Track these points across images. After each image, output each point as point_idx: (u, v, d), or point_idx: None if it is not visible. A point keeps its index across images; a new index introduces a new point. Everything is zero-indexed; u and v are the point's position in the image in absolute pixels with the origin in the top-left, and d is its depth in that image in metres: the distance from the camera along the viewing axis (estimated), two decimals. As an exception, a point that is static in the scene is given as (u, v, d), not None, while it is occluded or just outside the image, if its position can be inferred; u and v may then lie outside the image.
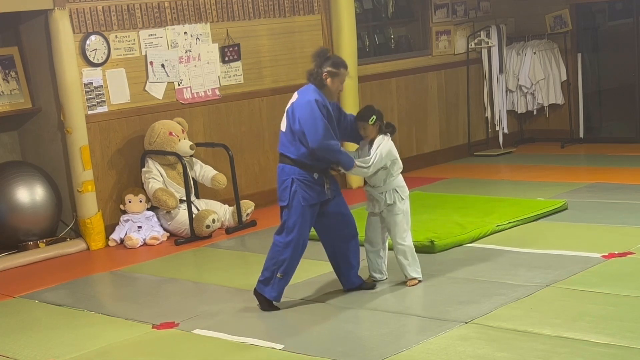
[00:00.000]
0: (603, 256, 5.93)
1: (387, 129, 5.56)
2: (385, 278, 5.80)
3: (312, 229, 5.50)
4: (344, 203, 5.61)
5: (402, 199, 5.58)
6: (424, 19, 10.38)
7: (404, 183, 5.64)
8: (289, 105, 5.40)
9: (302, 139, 5.26)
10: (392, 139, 5.57)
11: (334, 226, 5.53)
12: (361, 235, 5.74)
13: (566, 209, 7.42)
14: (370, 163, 5.44)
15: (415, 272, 5.67)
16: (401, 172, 5.65)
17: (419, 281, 5.67)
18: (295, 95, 5.42)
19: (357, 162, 5.43)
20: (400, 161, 5.61)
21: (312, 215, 5.40)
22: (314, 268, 6.23)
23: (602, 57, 11.24)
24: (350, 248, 5.58)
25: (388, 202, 5.55)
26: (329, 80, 5.33)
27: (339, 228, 5.54)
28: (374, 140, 5.53)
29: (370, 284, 5.69)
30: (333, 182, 5.48)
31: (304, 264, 6.39)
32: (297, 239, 5.37)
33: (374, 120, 5.47)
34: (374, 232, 5.70)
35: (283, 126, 5.40)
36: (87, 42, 7.59)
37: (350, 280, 5.65)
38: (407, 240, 5.62)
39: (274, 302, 5.46)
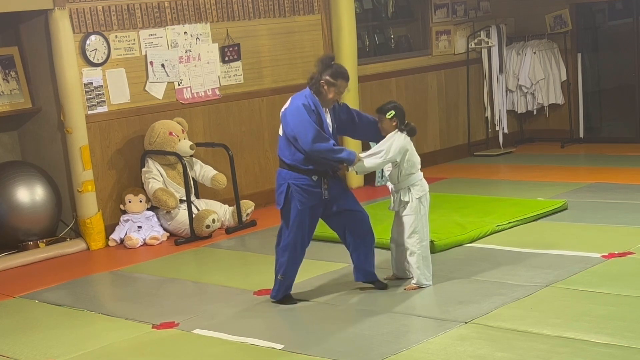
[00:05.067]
0: (603, 256, 5.93)
1: (405, 127, 5.48)
2: (408, 278, 5.71)
3: (332, 231, 5.64)
4: (354, 199, 5.61)
5: (416, 198, 5.50)
6: (424, 19, 10.38)
7: (420, 182, 5.54)
8: (282, 110, 5.46)
9: (296, 145, 5.33)
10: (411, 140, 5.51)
11: (348, 224, 5.55)
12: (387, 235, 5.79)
13: (566, 209, 7.42)
14: (373, 151, 5.41)
15: (424, 278, 5.58)
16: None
17: (419, 287, 5.58)
18: (288, 101, 5.47)
19: (362, 155, 5.41)
20: (416, 159, 5.51)
21: (312, 217, 5.44)
22: (314, 268, 6.23)
23: (602, 57, 11.25)
24: (366, 243, 5.58)
25: (402, 199, 5.51)
26: (325, 88, 5.35)
27: (353, 225, 5.55)
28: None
29: (382, 284, 5.65)
30: (335, 183, 5.47)
31: (304, 264, 6.40)
32: (295, 242, 5.45)
33: (392, 114, 5.43)
34: (398, 233, 5.64)
35: (280, 130, 5.46)
36: (87, 42, 7.59)
37: (367, 274, 5.64)
38: (415, 243, 5.53)
39: (285, 297, 5.58)
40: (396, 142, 5.43)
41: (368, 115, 5.70)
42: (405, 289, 5.58)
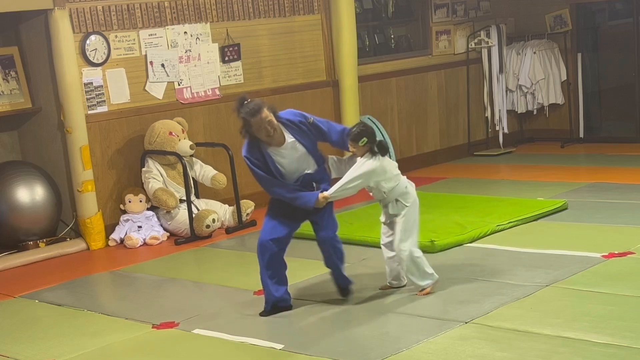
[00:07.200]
0: (603, 256, 5.92)
1: (378, 150, 5.30)
2: (403, 285, 5.60)
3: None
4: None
5: (406, 206, 5.38)
6: (424, 18, 10.39)
7: (406, 189, 5.38)
8: None
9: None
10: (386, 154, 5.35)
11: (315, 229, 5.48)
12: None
13: (566, 208, 7.41)
14: (338, 187, 5.27)
15: (421, 280, 5.45)
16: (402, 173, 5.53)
17: (430, 291, 5.46)
18: None
19: (327, 193, 5.26)
20: (391, 175, 5.33)
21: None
22: (314, 268, 6.23)
23: (602, 57, 11.24)
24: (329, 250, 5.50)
25: (391, 212, 5.42)
26: (251, 132, 5.23)
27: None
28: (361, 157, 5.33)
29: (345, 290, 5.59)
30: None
31: (304, 264, 6.41)
32: None
33: (364, 142, 5.26)
34: (389, 240, 5.52)
35: None
36: (87, 41, 7.59)
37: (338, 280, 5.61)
38: (407, 248, 5.38)
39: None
40: (365, 168, 5.27)
41: (337, 125, 5.50)
42: (417, 294, 5.45)
